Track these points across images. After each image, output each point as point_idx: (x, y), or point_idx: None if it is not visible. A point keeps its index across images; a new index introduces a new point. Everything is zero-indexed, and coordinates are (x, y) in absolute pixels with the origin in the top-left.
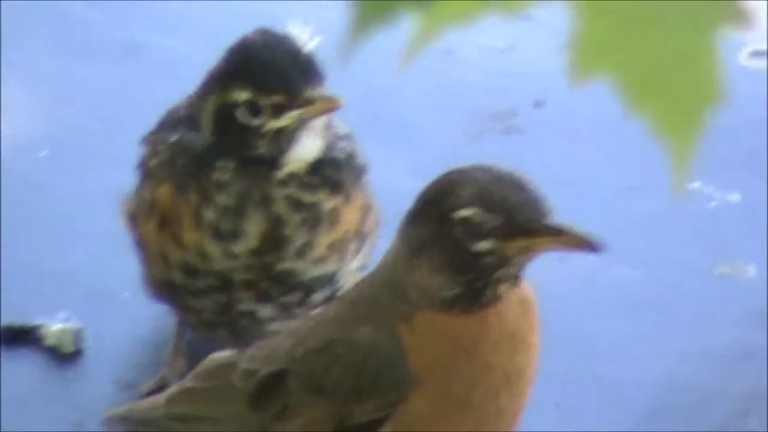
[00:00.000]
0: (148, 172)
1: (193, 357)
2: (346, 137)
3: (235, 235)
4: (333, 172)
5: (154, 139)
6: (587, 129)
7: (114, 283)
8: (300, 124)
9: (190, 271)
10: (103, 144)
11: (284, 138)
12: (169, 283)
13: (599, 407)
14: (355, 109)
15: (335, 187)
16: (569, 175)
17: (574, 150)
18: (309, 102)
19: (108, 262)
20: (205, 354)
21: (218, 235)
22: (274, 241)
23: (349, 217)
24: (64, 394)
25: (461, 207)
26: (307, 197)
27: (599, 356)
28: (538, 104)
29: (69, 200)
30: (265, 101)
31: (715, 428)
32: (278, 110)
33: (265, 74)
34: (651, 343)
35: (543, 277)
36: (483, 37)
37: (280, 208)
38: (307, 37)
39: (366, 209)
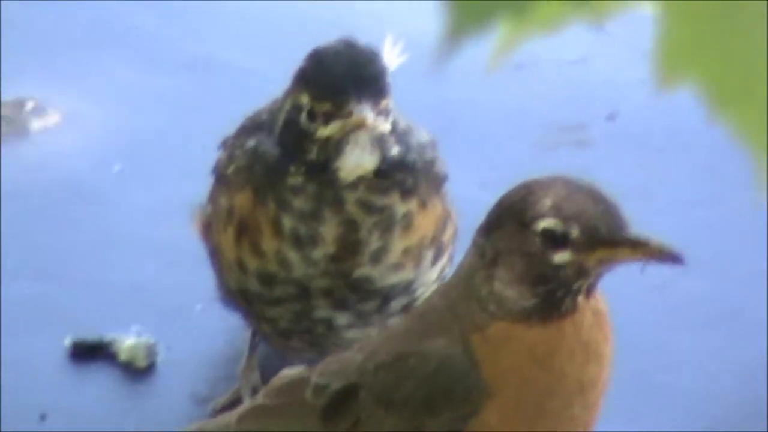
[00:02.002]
0: (224, 179)
1: (267, 371)
2: (429, 145)
3: (313, 241)
4: (405, 177)
5: (231, 144)
6: (659, 142)
7: (187, 296)
8: (343, 135)
9: (267, 279)
10: (175, 157)
11: (331, 146)
12: (244, 291)
13: (670, 418)
14: (430, 121)
15: (407, 191)
16: (641, 187)
17: (646, 163)
18: (348, 115)
19: (180, 275)
20: (279, 368)
21: (298, 241)
22: (349, 245)
23: (425, 223)
24: (138, 408)
25: (541, 217)
26: (378, 200)
27: (671, 367)
28: (611, 117)
29: (141, 214)
30: (317, 108)
31: None
32: (327, 118)
33: (321, 81)
34: (723, 354)
35: (616, 288)
36: (555, 50)
37: (353, 210)
38: (394, 52)
39: (444, 219)
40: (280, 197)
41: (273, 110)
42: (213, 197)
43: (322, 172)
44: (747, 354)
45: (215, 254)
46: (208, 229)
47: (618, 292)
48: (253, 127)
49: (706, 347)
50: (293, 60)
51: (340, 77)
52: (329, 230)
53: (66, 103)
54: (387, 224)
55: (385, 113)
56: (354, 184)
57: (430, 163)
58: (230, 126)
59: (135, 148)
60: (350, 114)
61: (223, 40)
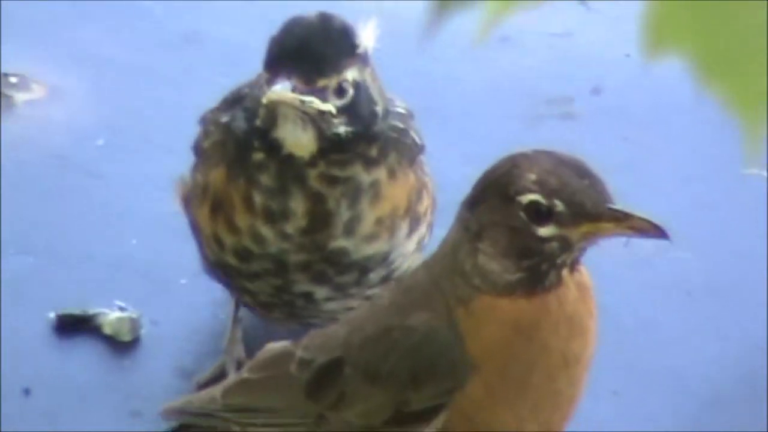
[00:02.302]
0: (201, 153)
1: (251, 344)
2: (403, 116)
3: (284, 215)
4: (367, 148)
5: (208, 118)
6: (644, 116)
7: (171, 270)
8: (272, 107)
9: (244, 254)
10: (160, 131)
11: (268, 118)
12: (224, 265)
13: (658, 394)
14: (414, 97)
15: (371, 161)
16: (626, 161)
17: (631, 136)
18: (269, 88)
19: (165, 249)
20: (263, 341)
21: (270, 216)
22: (320, 217)
23: (396, 193)
24: (122, 382)
25: (526, 191)
26: (339, 172)
27: (658, 343)
28: (596, 91)
29: (126, 188)
30: (264, 73)
31: None
32: (269, 85)
33: (270, 51)
34: (710, 329)
35: (601, 263)
36: (541, 24)
37: (316, 184)
38: (372, 33)
39: (419, 189)
40: (249, 174)
41: (254, 85)
42: (192, 172)
43: (276, 148)
44: (734, 329)
45: (195, 227)
46: (187, 203)
47: (603, 267)
48: (232, 101)
49: (692, 323)
50: None
51: (283, 50)
52: (298, 204)
53: (51, 77)
54: (354, 194)
55: (324, 92)
56: (312, 161)
57: (402, 133)
58: (215, 101)
59: (119, 122)
60: (269, 87)
61: (209, 15)
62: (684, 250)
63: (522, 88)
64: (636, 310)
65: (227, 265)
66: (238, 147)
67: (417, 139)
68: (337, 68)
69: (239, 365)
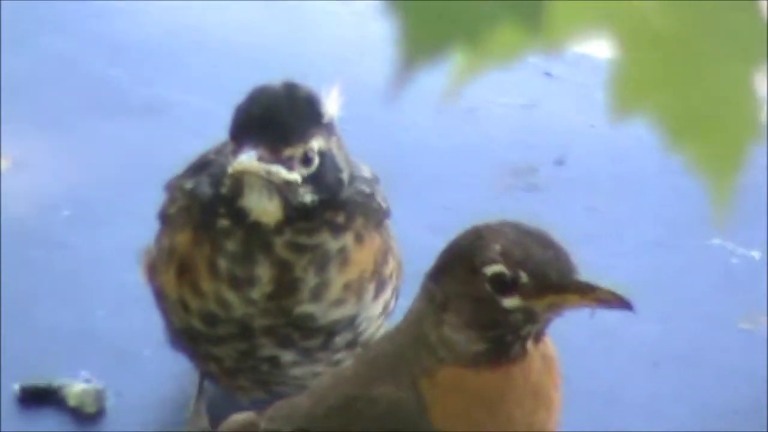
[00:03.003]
0: (167, 219)
1: (215, 416)
2: (368, 180)
3: (249, 281)
4: (334, 215)
5: (173, 185)
6: (608, 186)
7: (135, 342)
8: (237, 176)
9: (209, 318)
10: (125, 201)
11: (234, 186)
12: (189, 330)
13: None
14: (380, 165)
15: (339, 228)
16: (590, 231)
17: (595, 206)
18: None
19: (129, 320)
20: (228, 412)
21: (234, 282)
22: (286, 284)
23: (364, 257)
24: None
25: (491, 263)
26: (307, 240)
27: (622, 410)
28: (560, 161)
29: (91, 258)
30: (231, 145)
31: None
32: (234, 155)
33: (234, 120)
34: (674, 397)
35: (565, 332)
36: (505, 94)
37: (283, 252)
38: (337, 100)
39: (385, 252)
40: (214, 239)
41: (220, 152)
42: (157, 240)
43: (242, 216)
44: (699, 396)
45: (160, 295)
46: (152, 271)
47: (568, 338)
48: (198, 167)
49: (657, 390)
50: None
51: (249, 119)
52: (264, 271)
53: (15, 148)
54: (321, 261)
55: (290, 162)
56: (278, 228)
57: (368, 198)
58: (181, 168)
59: (84, 193)
60: (235, 156)
61: (174, 83)
62: (650, 320)
63: (487, 158)
64: (601, 379)
65: (193, 330)
66: (204, 213)
67: (383, 204)
68: (303, 137)
69: None
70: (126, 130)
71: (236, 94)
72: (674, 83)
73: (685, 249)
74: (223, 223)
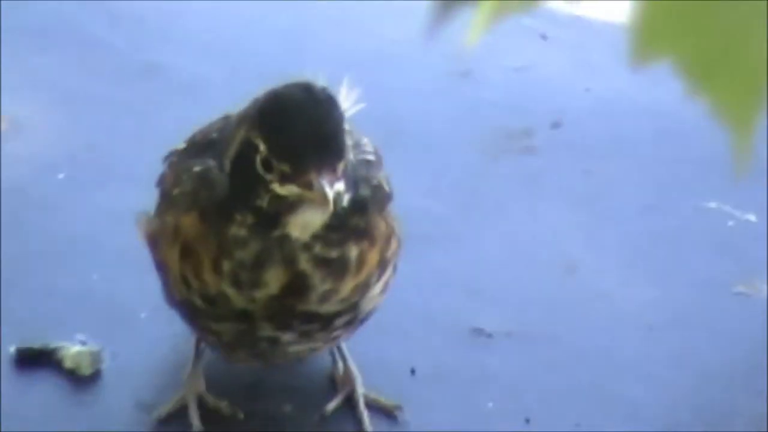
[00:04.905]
0: (169, 198)
1: (212, 378)
2: (375, 164)
3: (254, 284)
4: (359, 219)
5: (177, 163)
6: (604, 149)
7: (131, 303)
8: (297, 200)
9: (209, 299)
10: (121, 164)
11: (284, 205)
12: (189, 305)
13: (617, 426)
14: (375, 130)
15: (360, 235)
16: (586, 194)
17: (591, 170)
18: (308, 186)
19: (125, 282)
20: (224, 375)
21: (237, 283)
22: (295, 290)
23: (374, 257)
24: (83, 416)
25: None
26: (333, 253)
27: (617, 374)
28: (556, 125)
29: (87, 221)
30: (275, 164)
31: None
32: (283, 178)
33: (280, 139)
34: (669, 361)
35: (560, 295)
36: (501, 57)
37: (305, 266)
38: (350, 100)
39: (388, 237)
40: (223, 243)
41: (224, 130)
42: (159, 212)
43: (269, 229)
44: (694, 360)
45: (161, 267)
46: (154, 241)
47: (562, 299)
48: (202, 145)
49: (652, 354)
50: (242, 66)
51: (300, 139)
52: (273, 279)
53: (11, 110)
54: (340, 272)
55: (342, 172)
56: (308, 243)
57: (377, 188)
58: (178, 135)
59: (80, 155)
60: (310, 185)
61: (171, 47)
62: (645, 283)
63: (482, 122)
64: (595, 342)
65: (193, 305)
66: (214, 207)
67: (387, 189)
68: (345, 145)
69: (200, 399)
70: (123, 93)
71: (233, 58)
72: (697, 22)
73: (681, 212)
74: (239, 232)
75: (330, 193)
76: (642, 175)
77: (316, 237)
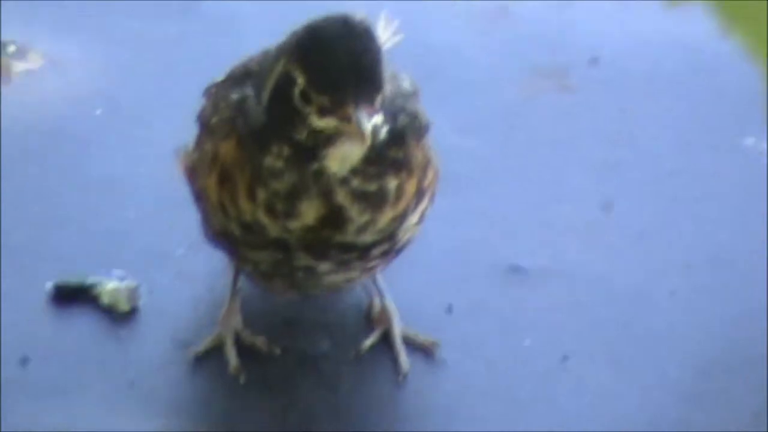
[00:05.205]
0: (208, 127)
1: (249, 316)
2: (412, 95)
3: (289, 214)
4: (398, 151)
5: (216, 93)
6: (641, 87)
7: (168, 240)
8: (336, 133)
9: (247, 227)
10: (158, 100)
11: (321, 138)
12: (227, 233)
13: (653, 362)
14: (413, 68)
15: (398, 166)
16: (623, 132)
17: (628, 108)
18: (347, 119)
19: (162, 219)
20: (261, 312)
21: (272, 212)
22: (332, 222)
23: (411, 187)
24: (120, 353)
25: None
26: (371, 186)
27: (653, 312)
28: (593, 62)
29: (124, 158)
30: (314, 96)
31: None
32: (322, 111)
33: (319, 72)
34: (705, 298)
35: (596, 233)
36: None
37: (343, 200)
38: (388, 32)
39: (424, 167)
40: (257, 172)
41: (263, 63)
42: (199, 143)
43: (306, 162)
44: (732, 297)
45: (200, 197)
46: (193, 173)
47: (600, 239)
48: (241, 76)
49: (689, 290)
50: (280, 1)
51: (339, 71)
52: (310, 210)
53: (49, 46)
54: (379, 203)
55: (380, 105)
56: (345, 178)
57: (414, 118)
58: (215, 71)
59: (118, 92)
60: (349, 119)
61: None
62: (681, 220)
63: (520, 59)
64: (631, 278)
65: (230, 234)
66: (251, 135)
67: (424, 119)
68: (383, 77)
69: (236, 336)
70: (160, 29)
71: None
72: None
73: (718, 149)
74: (275, 164)
75: (368, 127)
76: (678, 112)
77: (354, 171)
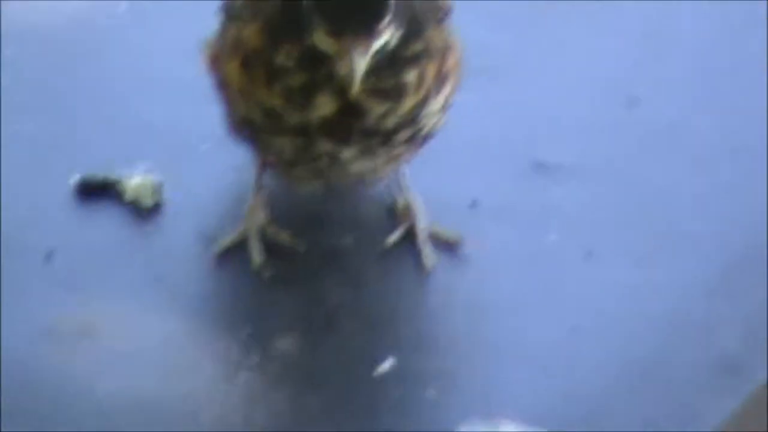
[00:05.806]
0: (231, 13)
1: (273, 211)
2: None
3: (306, 105)
4: (415, 44)
5: None
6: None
7: (193, 136)
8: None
9: (268, 112)
10: None
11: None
12: (249, 121)
13: (677, 261)
14: None
15: (417, 59)
16: (648, 30)
17: (653, 5)
18: (343, 51)
19: (187, 114)
20: (286, 208)
21: (290, 101)
22: (350, 113)
23: (431, 71)
24: (144, 247)
25: None
26: (388, 83)
27: (679, 208)
28: None
29: (149, 53)
30: (315, 18)
31: None
32: (326, 32)
33: (322, 10)
34: (731, 195)
35: (622, 129)
36: None
37: (359, 96)
38: None
39: (444, 52)
40: (270, 64)
41: None
42: (222, 31)
43: (316, 64)
44: (758, 195)
45: (222, 84)
46: (216, 62)
47: (626, 134)
48: None
49: (714, 188)
50: None
51: (340, 10)
52: (325, 103)
53: None
54: (398, 96)
55: (387, 23)
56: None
57: (432, 4)
58: None
59: None
60: (346, 53)
61: None
62: (706, 116)
63: None
64: (656, 175)
65: (253, 121)
66: (271, 31)
67: (445, 2)
68: (387, 4)
69: (261, 232)
70: None
71: None
72: None
73: (744, 46)
74: (286, 62)
75: (357, 72)
76: (704, 11)
77: (367, 72)
